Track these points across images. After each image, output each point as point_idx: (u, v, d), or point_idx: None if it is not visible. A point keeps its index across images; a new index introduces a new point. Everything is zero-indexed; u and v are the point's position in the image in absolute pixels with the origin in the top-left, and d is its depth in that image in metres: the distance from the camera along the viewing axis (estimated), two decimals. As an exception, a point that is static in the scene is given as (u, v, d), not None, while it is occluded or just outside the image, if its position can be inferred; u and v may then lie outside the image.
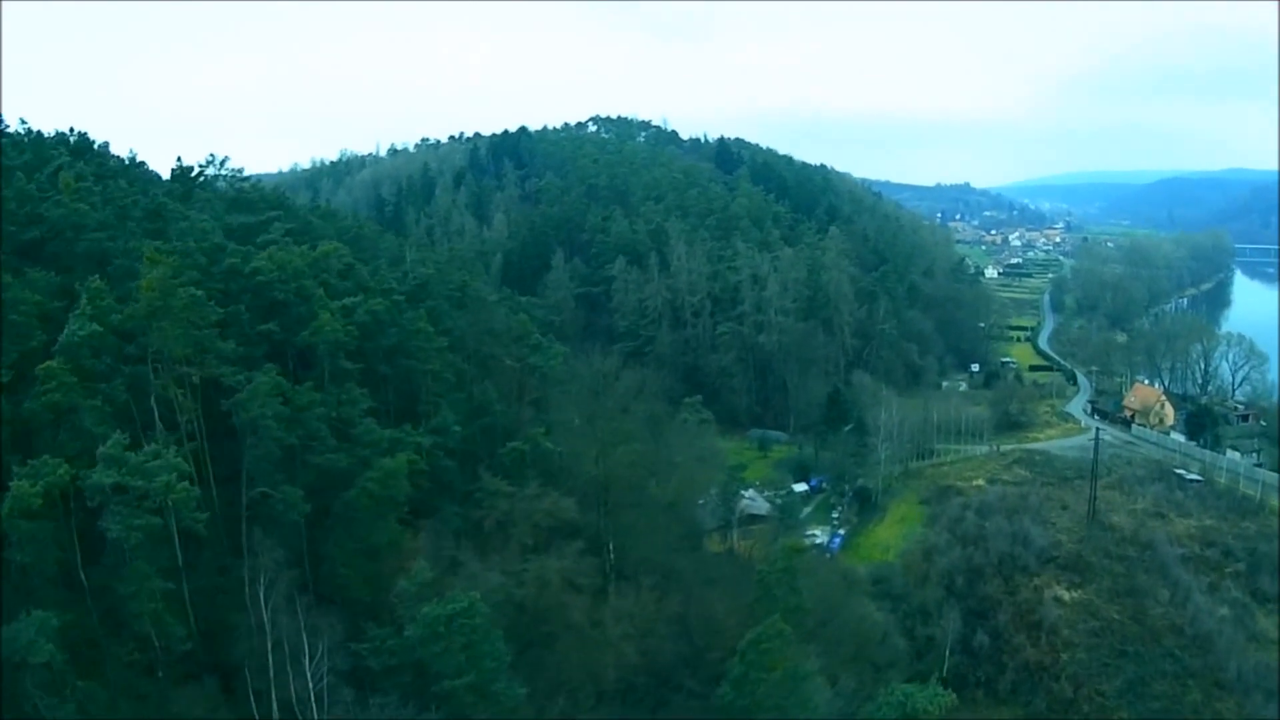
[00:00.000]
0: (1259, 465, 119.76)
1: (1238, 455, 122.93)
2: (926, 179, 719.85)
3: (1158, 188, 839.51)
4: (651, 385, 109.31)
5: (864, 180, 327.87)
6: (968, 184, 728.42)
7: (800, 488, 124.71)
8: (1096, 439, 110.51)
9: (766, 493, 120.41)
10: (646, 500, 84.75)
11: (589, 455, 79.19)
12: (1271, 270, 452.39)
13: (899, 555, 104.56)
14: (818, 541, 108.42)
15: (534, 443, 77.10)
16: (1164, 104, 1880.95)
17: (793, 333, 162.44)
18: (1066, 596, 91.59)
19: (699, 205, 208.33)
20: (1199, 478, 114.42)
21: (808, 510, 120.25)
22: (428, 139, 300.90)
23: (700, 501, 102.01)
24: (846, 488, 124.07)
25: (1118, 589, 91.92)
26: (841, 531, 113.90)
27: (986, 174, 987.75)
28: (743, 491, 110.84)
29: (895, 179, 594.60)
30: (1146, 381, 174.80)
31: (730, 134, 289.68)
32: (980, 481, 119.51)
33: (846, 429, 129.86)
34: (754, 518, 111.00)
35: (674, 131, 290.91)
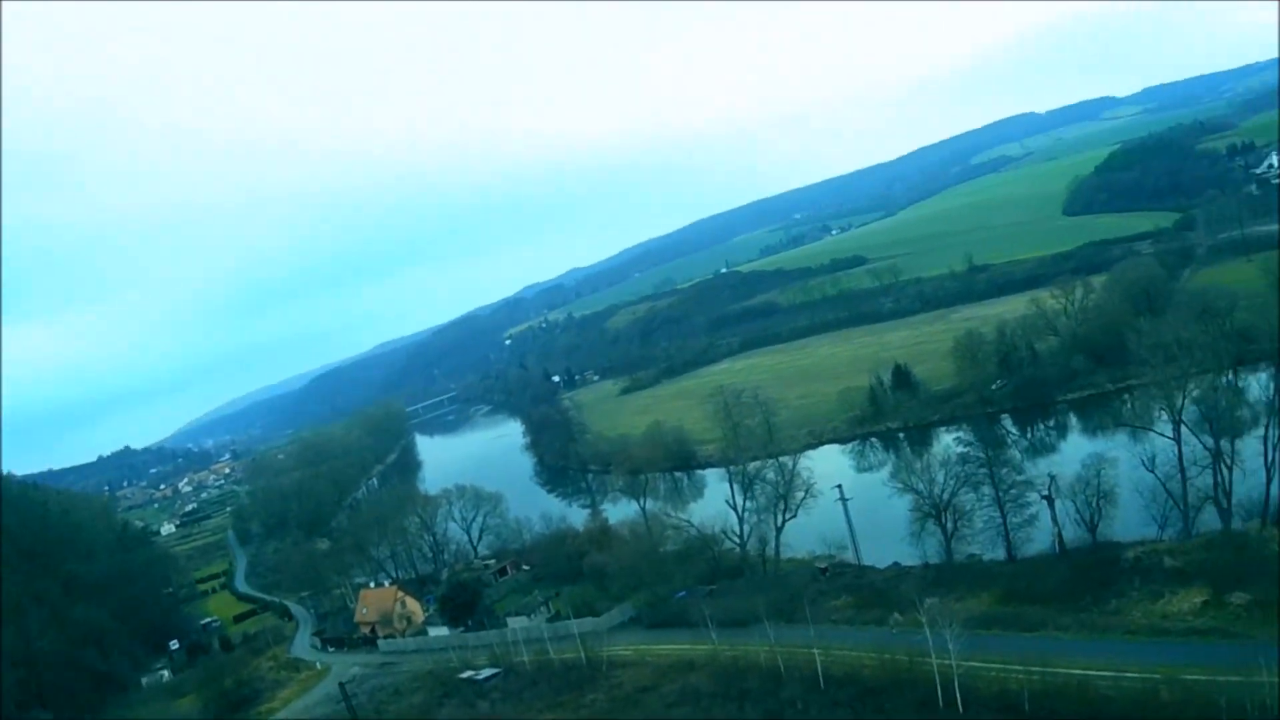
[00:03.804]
0: (554, 619, 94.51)
1: (525, 620, 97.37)
2: (88, 456, 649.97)
3: (312, 387, 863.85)
4: None
5: (22, 477, 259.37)
6: (128, 447, 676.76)
7: None
8: (345, 692, 72.52)
9: None
10: None
11: None
12: (451, 418, 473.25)
13: None
14: None
15: None
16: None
17: None
18: None
19: None
20: (495, 669, 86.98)
21: None
22: None
23: None
24: None
25: None
26: None
27: (147, 433, 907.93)
28: None
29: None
30: (372, 584, 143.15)
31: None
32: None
33: None
34: None
35: None
